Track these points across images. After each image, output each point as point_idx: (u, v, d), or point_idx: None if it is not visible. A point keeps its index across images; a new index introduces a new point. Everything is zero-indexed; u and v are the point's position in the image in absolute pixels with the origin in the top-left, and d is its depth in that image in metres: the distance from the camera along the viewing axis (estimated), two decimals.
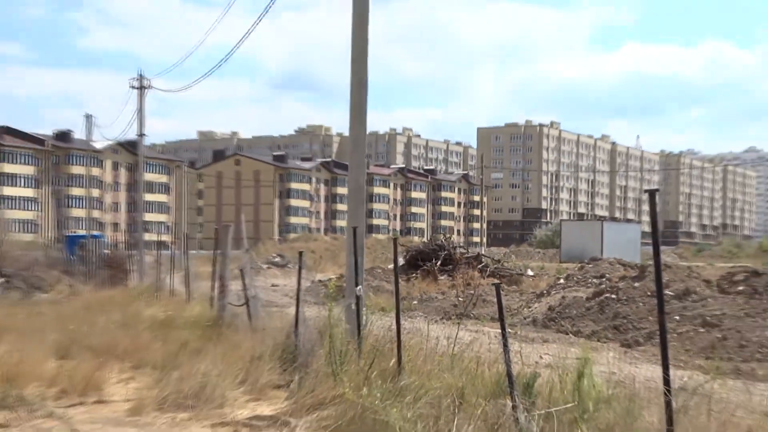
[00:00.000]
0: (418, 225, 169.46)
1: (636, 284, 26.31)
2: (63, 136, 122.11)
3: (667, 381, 6.58)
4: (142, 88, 44.76)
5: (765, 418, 7.57)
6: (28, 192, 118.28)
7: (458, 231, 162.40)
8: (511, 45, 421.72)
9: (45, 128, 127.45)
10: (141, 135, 46.82)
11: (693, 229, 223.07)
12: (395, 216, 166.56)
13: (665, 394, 6.53)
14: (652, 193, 7.01)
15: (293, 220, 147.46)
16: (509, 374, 8.32)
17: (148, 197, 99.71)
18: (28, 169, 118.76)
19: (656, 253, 7.00)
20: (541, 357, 9.93)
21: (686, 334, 20.60)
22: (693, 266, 38.12)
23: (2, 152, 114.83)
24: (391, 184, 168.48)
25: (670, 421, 6.36)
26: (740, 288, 27.38)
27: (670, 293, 25.38)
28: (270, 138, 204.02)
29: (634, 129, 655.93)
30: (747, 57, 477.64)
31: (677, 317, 22.25)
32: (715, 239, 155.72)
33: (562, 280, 33.43)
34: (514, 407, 7.98)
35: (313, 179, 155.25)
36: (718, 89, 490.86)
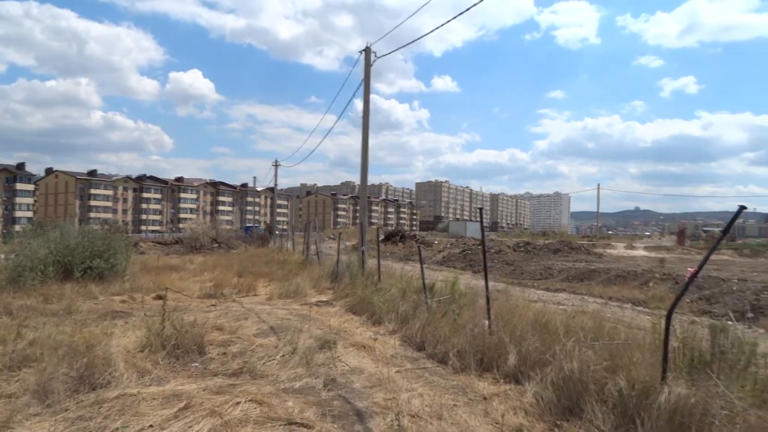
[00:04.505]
0: (390, 222, 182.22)
1: (479, 247, 31.03)
2: (244, 185, 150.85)
3: (487, 287, 7.37)
4: (277, 165, 58.01)
5: (528, 302, 8.47)
6: (228, 208, 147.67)
7: (406, 225, 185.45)
8: (430, 149, 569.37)
9: (236, 182, 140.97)
10: (275, 185, 59.98)
11: (504, 225, 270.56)
12: (381, 218, 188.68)
13: (486, 291, 7.32)
14: (480, 210, 8.29)
15: (339, 220, 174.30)
16: (423, 283, 9.23)
17: (278, 210, 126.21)
18: (229, 199, 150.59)
19: (482, 235, 8.08)
20: (438, 277, 10.94)
21: (499, 268, 23.60)
22: (503, 240, 45.53)
23: (220, 192, 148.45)
24: (379, 205, 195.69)
25: (488, 301, 7.20)
26: (522, 248, 33.08)
27: (492, 250, 29.80)
28: (329, 186, 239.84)
29: (480, 183, 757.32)
30: (524, 156, 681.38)
31: (495, 261, 25.71)
32: (512, 230, 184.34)
33: (449, 246, 38.72)
34: (425, 297, 8.95)
35: (347, 203, 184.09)
36: (513, 169, 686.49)
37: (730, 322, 5.29)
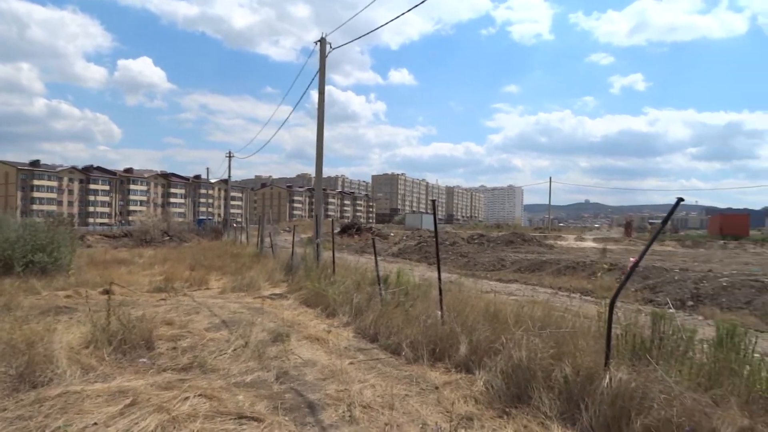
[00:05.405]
0: (347, 215, 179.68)
1: (434, 239, 31.88)
2: (197, 177, 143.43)
3: (440, 278, 7.50)
4: (230, 157, 55.49)
5: (480, 293, 8.62)
6: (181, 200, 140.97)
7: (363, 218, 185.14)
8: (386, 142, 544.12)
9: (189, 173, 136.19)
10: (229, 177, 57.65)
11: (459, 217, 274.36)
12: (337, 210, 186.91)
13: (438, 283, 7.41)
14: (434, 202, 8.26)
15: (295, 212, 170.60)
16: (377, 275, 9.43)
17: (232, 203, 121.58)
18: (181, 191, 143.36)
19: (435, 227, 8.30)
20: (392, 269, 10.97)
21: (453, 259, 23.64)
22: (458, 232, 46.27)
23: (171, 184, 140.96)
24: (336, 198, 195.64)
25: (440, 292, 7.27)
26: (476, 240, 33.60)
27: (447, 242, 29.97)
28: (285, 179, 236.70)
29: (436, 176, 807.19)
30: (479, 149, 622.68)
31: (450, 253, 25.60)
32: (467, 222, 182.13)
33: (405, 238, 38.75)
34: (379, 288, 9.06)
35: (304, 196, 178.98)
36: (469, 162, 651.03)
37: (670, 310, 5.52)
